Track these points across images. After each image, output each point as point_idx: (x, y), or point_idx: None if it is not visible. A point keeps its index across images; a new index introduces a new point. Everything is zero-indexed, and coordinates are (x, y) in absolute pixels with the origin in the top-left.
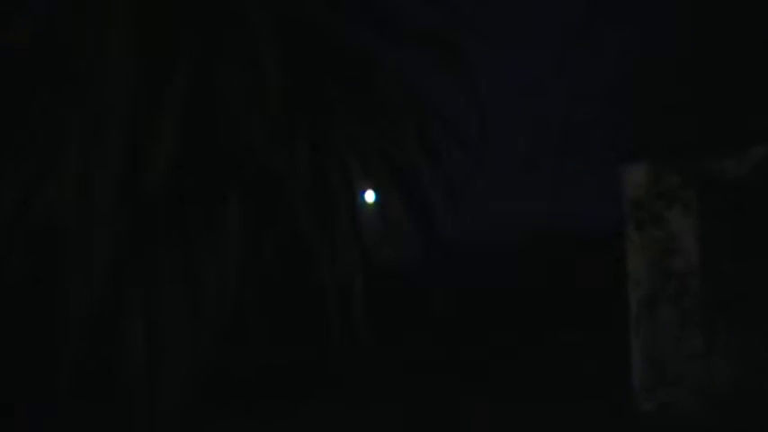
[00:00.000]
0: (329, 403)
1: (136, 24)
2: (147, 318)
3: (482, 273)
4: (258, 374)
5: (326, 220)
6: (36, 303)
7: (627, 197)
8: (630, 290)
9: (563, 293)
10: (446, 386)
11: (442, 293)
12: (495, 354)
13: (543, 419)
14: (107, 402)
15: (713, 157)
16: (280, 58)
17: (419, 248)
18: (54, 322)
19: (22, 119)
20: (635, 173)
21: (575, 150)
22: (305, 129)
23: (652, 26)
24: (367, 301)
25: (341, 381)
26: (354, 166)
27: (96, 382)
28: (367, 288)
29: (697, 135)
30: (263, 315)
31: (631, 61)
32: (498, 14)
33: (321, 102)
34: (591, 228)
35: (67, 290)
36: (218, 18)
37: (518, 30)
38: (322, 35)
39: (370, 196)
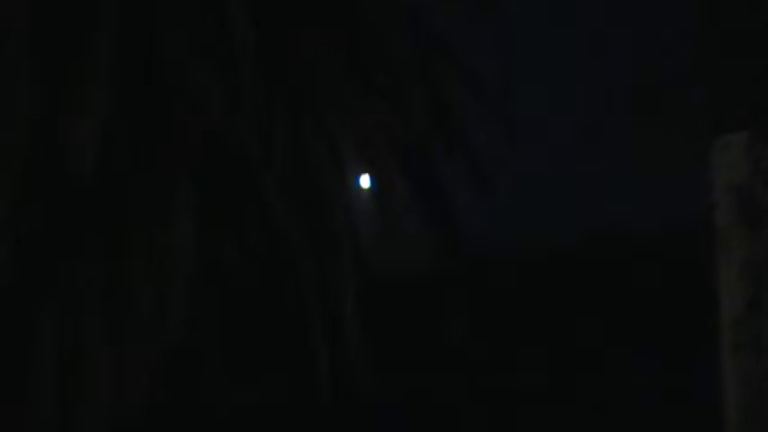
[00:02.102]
0: None
1: None
2: (60, 349)
3: (517, 284)
4: (214, 423)
5: (308, 213)
6: None
7: (720, 181)
8: (722, 308)
9: (626, 310)
10: None
11: (463, 312)
12: (536, 395)
13: None
14: None
15: None
16: None
17: (432, 252)
18: None
19: None
20: (734, 148)
21: (649, 117)
22: (278, 91)
23: None
24: (363, 323)
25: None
26: (344, 140)
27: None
28: (363, 305)
29: None
30: (223, 343)
31: None
32: None
33: (297, 53)
34: (666, 223)
35: None
36: None
37: None
38: None
39: (365, 181)
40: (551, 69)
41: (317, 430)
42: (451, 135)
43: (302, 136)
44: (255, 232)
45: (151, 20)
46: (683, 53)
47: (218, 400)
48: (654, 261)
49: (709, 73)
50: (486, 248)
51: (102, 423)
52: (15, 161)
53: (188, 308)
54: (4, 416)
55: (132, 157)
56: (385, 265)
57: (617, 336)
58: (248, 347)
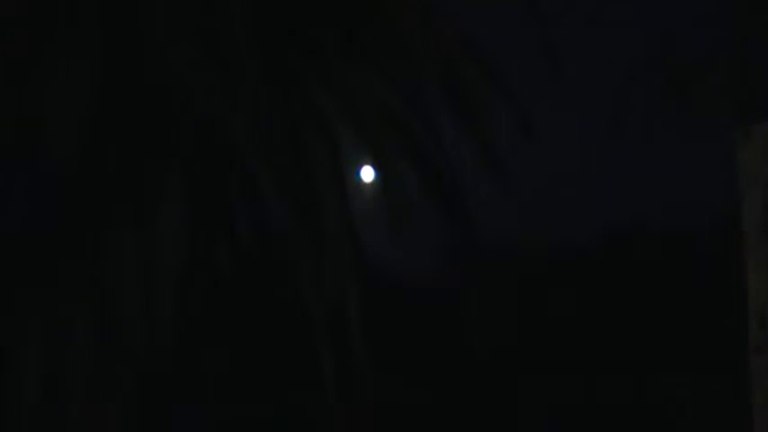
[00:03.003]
0: None
1: None
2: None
3: (538, 287)
4: None
5: (305, 208)
6: None
7: (744, 175)
8: (750, 313)
9: (659, 317)
10: None
11: (478, 317)
12: (561, 415)
13: None
14: None
15: None
16: None
17: (444, 252)
18: None
19: None
20: (758, 138)
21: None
22: (271, 75)
23: None
24: (368, 329)
25: None
26: (345, 127)
27: None
28: (368, 309)
29: None
30: (215, 354)
31: None
32: None
33: (292, 32)
34: (695, 220)
35: None
36: None
37: None
38: None
39: (368, 174)
40: (571, 64)
41: None
42: (465, 120)
43: (297, 122)
44: (249, 229)
45: (137, 4)
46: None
47: (212, 411)
48: (676, 260)
49: (731, 62)
50: (503, 248)
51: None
52: None
53: (177, 311)
54: None
55: (117, 147)
56: (392, 267)
57: (637, 335)
58: (241, 359)
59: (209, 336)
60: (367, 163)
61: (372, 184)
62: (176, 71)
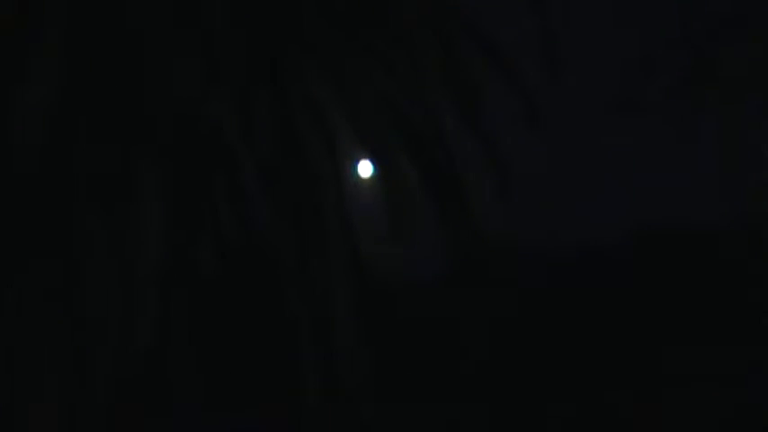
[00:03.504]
0: None
1: None
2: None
3: (552, 294)
4: None
5: (296, 206)
6: None
7: None
8: None
9: (686, 326)
10: None
11: (484, 325)
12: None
13: None
14: None
15: None
16: None
17: (447, 253)
18: None
19: None
20: None
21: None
22: (259, 58)
23: None
24: (361, 338)
25: None
26: (340, 117)
27: None
28: (361, 315)
29: None
30: (196, 362)
31: None
32: None
33: (282, 15)
34: (725, 220)
35: None
36: None
37: None
38: None
39: (365, 168)
40: (591, 50)
41: None
42: (468, 110)
43: (287, 112)
44: (234, 226)
45: None
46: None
47: (190, 425)
48: (711, 261)
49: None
50: (514, 248)
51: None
52: None
53: (157, 316)
54: None
55: (89, 132)
56: (390, 270)
57: (675, 336)
58: (222, 369)
59: (192, 340)
60: (364, 157)
61: (370, 179)
62: (153, 54)
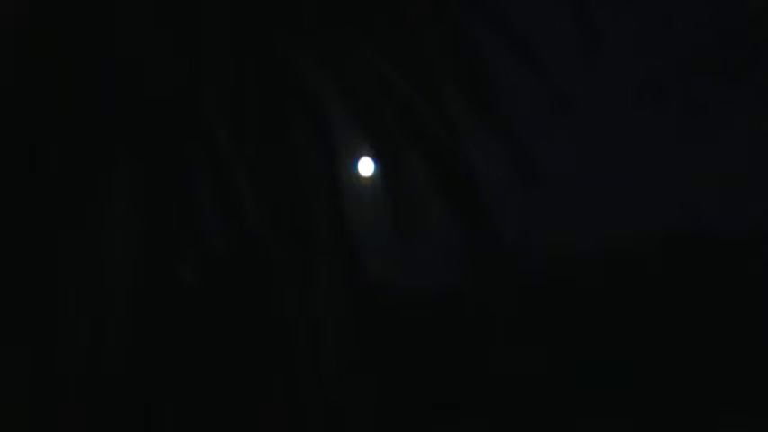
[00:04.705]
0: None
1: None
2: None
3: (575, 304)
4: None
5: (288, 208)
6: None
7: None
8: None
9: (722, 341)
10: None
11: (498, 338)
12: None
13: None
14: None
15: None
16: None
17: (458, 260)
18: None
19: None
20: None
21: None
22: (247, 43)
23: None
24: (362, 356)
25: None
26: (338, 107)
27: None
28: (362, 331)
29: None
30: (177, 379)
31: None
32: None
33: None
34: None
35: None
36: None
37: None
38: None
39: (366, 166)
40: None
41: None
42: (483, 99)
43: (279, 102)
44: (219, 232)
45: None
46: None
47: None
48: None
49: None
50: (533, 254)
51: None
52: None
53: (131, 335)
54: None
55: (51, 125)
56: (396, 278)
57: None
58: (208, 383)
59: (169, 363)
60: (365, 153)
61: (372, 178)
62: (133, 40)
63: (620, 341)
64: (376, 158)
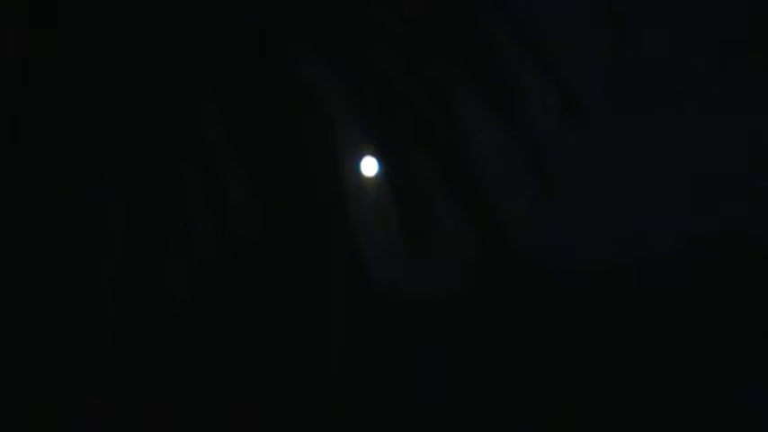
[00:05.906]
0: None
1: None
2: None
3: (594, 313)
4: None
5: (286, 211)
6: None
7: None
8: None
9: (750, 348)
10: None
11: (509, 349)
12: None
13: None
14: None
15: None
16: None
17: (469, 267)
18: None
19: None
20: None
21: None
22: (243, 33)
23: None
24: (366, 367)
25: None
26: (339, 104)
27: None
28: (367, 341)
29: None
30: (171, 399)
31: None
32: None
33: None
34: None
35: None
36: None
37: None
38: None
39: (369, 166)
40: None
41: None
42: (493, 96)
43: (277, 98)
44: (213, 239)
45: None
46: None
47: None
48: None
49: None
50: (545, 260)
51: None
52: None
53: (124, 338)
54: None
55: (39, 127)
56: (402, 286)
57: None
58: (207, 384)
59: (161, 376)
60: (369, 152)
61: (376, 178)
62: (125, 32)
63: (641, 347)
64: (380, 158)
